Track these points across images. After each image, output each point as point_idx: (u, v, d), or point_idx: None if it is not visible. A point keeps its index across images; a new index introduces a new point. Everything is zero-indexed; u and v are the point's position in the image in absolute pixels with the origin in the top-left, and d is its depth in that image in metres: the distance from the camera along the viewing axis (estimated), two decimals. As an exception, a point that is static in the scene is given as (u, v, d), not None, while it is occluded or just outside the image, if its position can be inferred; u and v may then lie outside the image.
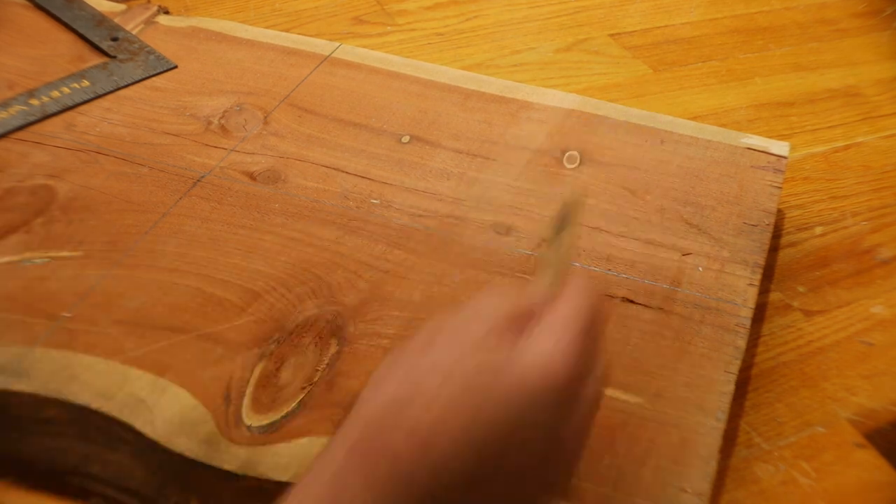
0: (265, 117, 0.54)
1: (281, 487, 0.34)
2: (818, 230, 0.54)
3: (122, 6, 0.64)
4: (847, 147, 0.61)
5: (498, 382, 0.28)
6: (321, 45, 0.61)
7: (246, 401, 0.37)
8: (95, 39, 0.60)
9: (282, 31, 0.63)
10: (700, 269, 0.45)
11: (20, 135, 0.51)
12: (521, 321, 0.30)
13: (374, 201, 0.48)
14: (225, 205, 0.47)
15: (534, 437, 0.28)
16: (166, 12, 0.64)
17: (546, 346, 0.28)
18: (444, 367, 0.28)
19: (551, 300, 0.31)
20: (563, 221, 0.37)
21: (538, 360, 0.28)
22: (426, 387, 0.28)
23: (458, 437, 0.27)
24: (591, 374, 0.30)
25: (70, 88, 0.55)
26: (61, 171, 0.49)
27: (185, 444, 0.35)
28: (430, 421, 0.27)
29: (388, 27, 0.72)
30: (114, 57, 0.58)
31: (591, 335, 0.30)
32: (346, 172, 0.50)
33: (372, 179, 0.50)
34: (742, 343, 0.41)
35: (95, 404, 0.36)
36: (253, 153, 0.51)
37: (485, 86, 0.57)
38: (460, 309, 0.31)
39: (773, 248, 0.52)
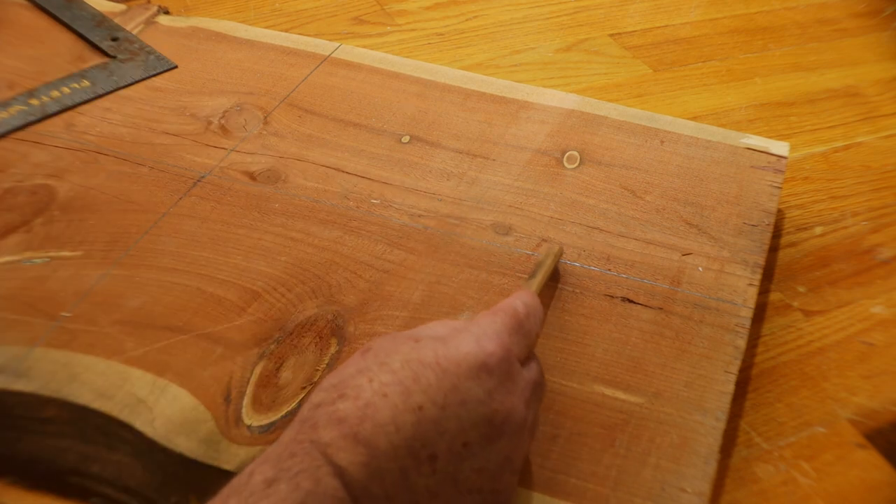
0: (265, 117, 0.54)
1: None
2: (818, 230, 0.54)
3: (122, 6, 0.64)
4: (847, 147, 0.61)
5: (423, 368, 0.30)
6: (321, 45, 0.61)
7: (246, 400, 0.37)
8: (95, 39, 0.60)
9: (282, 31, 0.63)
10: (700, 269, 0.45)
11: (20, 135, 0.51)
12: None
13: (374, 201, 0.48)
14: (225, 205, 0.47)
15: (469, 402, 0.30)
16: (166, 12, 0.64)
17: (467, 338, 0.32)
18: (372, 367, 0.31)
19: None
20: (540, 266, 0.42)
21: (462, 346, 0.31)
22: (355, 383, 0.30)
23: (396, 408, 0.29)
24: (524, 363, 0.34)
25: (70, 88, 0.55)
26: (61, 171, 0.49)
27: (184, 444, 0.35)
28: (360, 406, 0.29)
29: (388, 27, 0.72)
30: (114, 57, 0.58)
31: (513, 334, 0.33)
32: (346, 172, 0.50)
33: (372, 179, 0.50)
34: (742, 343, 0.41)
35: (95, 404, 0.36)
36: (253, 153, 0.51)
37: (485, 86, 0.57)
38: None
39: (773, 248, 0.52)
